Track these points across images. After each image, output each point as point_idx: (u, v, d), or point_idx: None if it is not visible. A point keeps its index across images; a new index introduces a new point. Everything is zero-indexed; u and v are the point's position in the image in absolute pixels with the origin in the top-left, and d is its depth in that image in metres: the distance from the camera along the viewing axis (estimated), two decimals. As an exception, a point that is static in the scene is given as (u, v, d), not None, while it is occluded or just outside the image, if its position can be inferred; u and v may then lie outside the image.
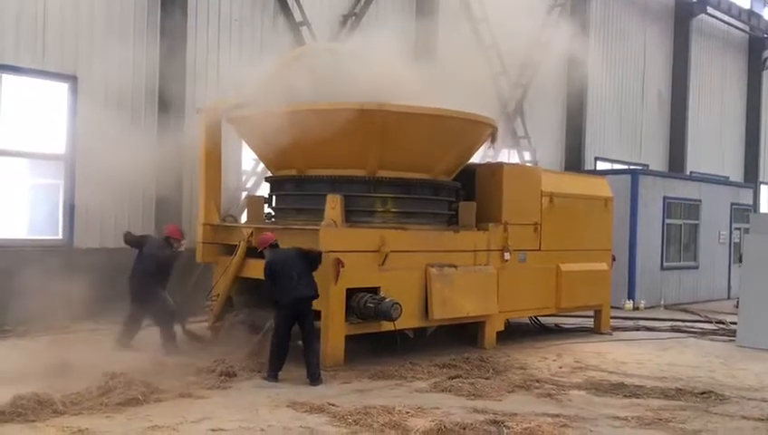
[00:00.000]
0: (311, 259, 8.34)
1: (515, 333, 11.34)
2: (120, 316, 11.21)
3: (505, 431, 6.16)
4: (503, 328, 10.69)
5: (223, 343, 9.68)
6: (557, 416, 6.79)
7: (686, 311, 15.94)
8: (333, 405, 6.96)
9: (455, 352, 9.70)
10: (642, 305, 16.00)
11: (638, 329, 12.86)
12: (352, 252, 8.87)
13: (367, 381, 8.15)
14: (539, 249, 11.18)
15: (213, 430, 6.15)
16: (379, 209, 9.80)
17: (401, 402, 7.12)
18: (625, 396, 7.72)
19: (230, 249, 10.12)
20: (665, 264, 17.10)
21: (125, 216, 12.30)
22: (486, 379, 8.22)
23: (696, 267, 18.05)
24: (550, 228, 11.29)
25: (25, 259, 11.19)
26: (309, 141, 9.30)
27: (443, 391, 7.73)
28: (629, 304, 15.81)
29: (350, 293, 8.88)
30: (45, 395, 6.68)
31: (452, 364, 8.96)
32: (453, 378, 8.18)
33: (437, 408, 6.99)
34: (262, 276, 9.31)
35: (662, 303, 16.63)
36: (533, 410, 7.00)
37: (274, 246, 8.57)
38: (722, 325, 13.39)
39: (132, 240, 9.96)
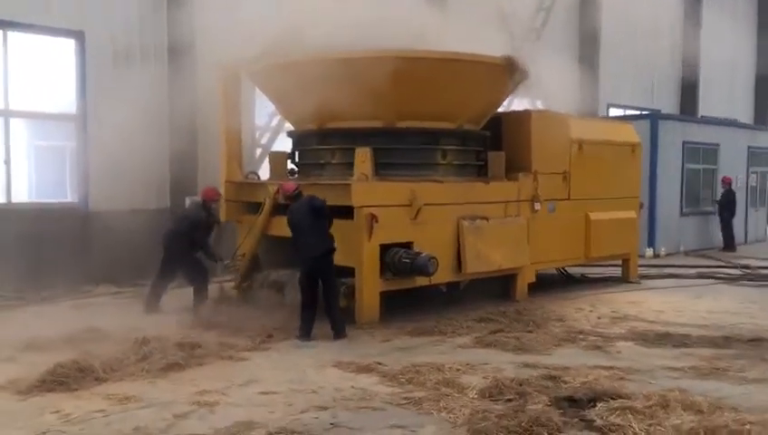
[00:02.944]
0: (317, 211, 7.93)
1: (544, 284, 11.12)
2: (140, 279, 11.09)
3: (563, 387, 5.97)
4: (534, 280, 10.49)
5: (252, 303, 9.49)
6: (611, 368, 6.60)
7: (706, 257, 15.81)
8: (380, 364, 6.77)
9: (488, 305, 9.52)
10: (662, 252, 15.84)
11: (664, 277, 12.69)
12: (384, 206, 8.60)
13: (407, 338, 7.96)
14: (568, 198, 10.92)
15: (263, 393, 5.95)
16: (408, 162, 9.50)
17: (448, 359, 6.93)
18: (673, 346, 7.54)
19: (254, 207, 9.85)
20: (684, 210, 16.89)
21: (140, 177, 11.95)
22: (529, 332, 8.03)
23: (714, 213, 17.81)
24: (578, 177, 11.02)
25: (40, 224, 10.93)
26: (334, 92, 8.93)
27: (487, 346, 7.54)
28: (650, 252, 15.62)
29: (383, 248, 8.64)
30: (85, 362, 6.47)
31: (489, 318, 8.77)
32: (495, 332, 7.99)
33: (486, 363, 6.80)
34: (288, 234, 9.10)
35: (681, 249, 16.48)
36: (585, 362, 6.82)
37: (297, 196, 8.23)
38: (748, 271, 13.24)
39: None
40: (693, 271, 13.20)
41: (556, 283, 11.71)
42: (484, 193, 9.74)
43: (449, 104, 9.49)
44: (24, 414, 5.50)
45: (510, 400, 5.66)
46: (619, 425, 4.99)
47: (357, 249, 8.39)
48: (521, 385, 5.98)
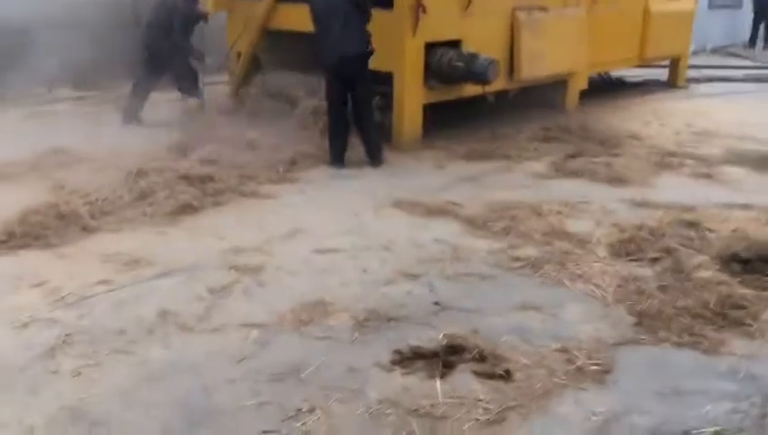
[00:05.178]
0: (359, 1, 6.08)
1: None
2: (107, 81, 9.15)
3: (711, 237, 4.58)
4: (586, 86, 8.85)
5: (253, 115, 7.69)
6: (747, 207, 5.23)
7: (736, 55, 14.26)
8: (454, 204, 5.25)
9: (538, 118, 7.92)
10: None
11: (711, 80, 11.17)
12: (430, -7, 6.63)
13: (465, 164, 6.40)
14: (630, -15, 9.01)
15: (320, 251, 4.41)
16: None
17: (535, 195, 5.45)
18: (795, 173, 6.19)
19: (250, -8, 7.74)
20: (712, 2, 15.03)
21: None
22: (615, 156, 6.52)
23: (740, 6, 16.02)
24: (642, -43, 9.04)
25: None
26: None
27: (572, 175, 6.04)
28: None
29: (428, 48, 6.80)
30: (66, 205, 4.79)
31: (551, 136, 7.25)
32: (573, 157, 6.48)
33: (586, 201, 5.34)
34: (294, 27, 7.21)
35: (707, 47, 14.86)
36: (708, 198, 5.41)
37: None
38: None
39: None
40: (738, 73, 11.70)
41: (594, 88, 10.04)
42: (542, -24, 7.77)
43: None
44: (-8, 288, 3.90)
45: (656, 259, 4.26)
46: (841, 306, 3.67)
47: (397, 48, 6.54)
48: (653, 235, 4.58)
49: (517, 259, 4.29)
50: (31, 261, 4.22)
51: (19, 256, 4.29)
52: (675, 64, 10.58)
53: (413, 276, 4.07)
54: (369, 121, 6.29)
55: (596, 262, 4.22)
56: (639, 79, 10.98)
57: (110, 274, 4.06)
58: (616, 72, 10.72)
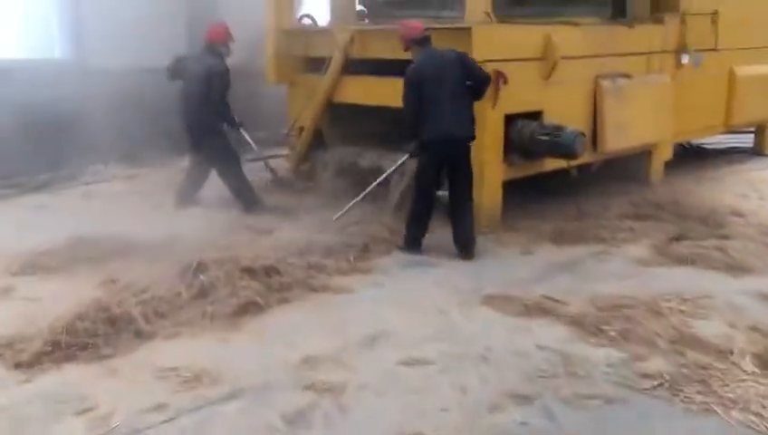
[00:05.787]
0: (479, 77, 5.53)
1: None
2: (159, 157, 8.80)
3: None
4: (671, 156, 8.17)
5: (316, 193, 7.20)
6: None
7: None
8: (554, 300, 4.57)
9: (621, 192, 7.23)
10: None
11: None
12: (510, 61, 6.11)
13: (554, 249, 5.73)
14: (715, 49, 8.36)
15: (407, 363, 3.77)
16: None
17: (643, 288, 4.75)
18: None
19: (313, 64, 7.34)
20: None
21: (148, 29, 9.21)
22: (724, 238, 5.77)
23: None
24: (726, 18, 8.40)
25: (26, 86, 8.33)
26: None
27: (681, 262, 5.32)
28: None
29: (506, 121, 6.25)
30: (119, 308, 4.25)
31: (643, 214, 6.54)
32: (677, 239, 5.76)
33: (708, 296, 4.61)
34: (361, 101, 6.75)
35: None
36: None
37: (424, 41, 5.65)
38: None
39: (171, 69, 6.91)
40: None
41: (675, 157, 9.28)
42: (625, 41, 7.20)
43: None
44: (31, 416, 3.33)
45: (819, 377, 3.51)
46: None
47: (476, 123, 5.96)
48: (807, 345, 3.83)
49: (646, 376, 3.58)
50: (76, 378, 3.66)
51: (63, 371, 3.73)
52: (761, 130, 9.82)
53: (523, 399, 3.39)
54: (468, 211, 5.61)
55: (746, 380, 3.48)
56: (721, 146, 10.24)
57: (167, 395, 3.47)
58: (697, 140, 10.02)
